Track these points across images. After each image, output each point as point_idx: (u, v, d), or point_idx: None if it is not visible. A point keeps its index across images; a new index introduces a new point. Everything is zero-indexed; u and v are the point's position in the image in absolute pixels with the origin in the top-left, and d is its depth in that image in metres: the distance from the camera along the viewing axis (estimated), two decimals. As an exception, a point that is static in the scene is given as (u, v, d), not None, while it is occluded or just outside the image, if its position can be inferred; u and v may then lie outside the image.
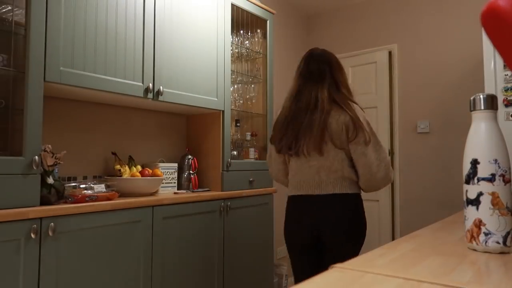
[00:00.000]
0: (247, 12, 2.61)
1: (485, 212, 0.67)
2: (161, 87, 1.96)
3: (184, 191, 2.25)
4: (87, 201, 1.60)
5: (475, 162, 0.68)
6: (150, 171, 2.05)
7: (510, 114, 2.23)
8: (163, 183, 2.15)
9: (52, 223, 1.44)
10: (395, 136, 3.42)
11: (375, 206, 3.42)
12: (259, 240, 2.47)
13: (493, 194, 0.66)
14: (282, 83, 3.54)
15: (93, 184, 1.73)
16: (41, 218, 1.42)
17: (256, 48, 2.75)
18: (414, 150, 3.32)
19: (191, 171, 2.33)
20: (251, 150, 2.61)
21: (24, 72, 1.47)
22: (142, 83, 1.90)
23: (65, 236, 1.50)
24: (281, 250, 3.40)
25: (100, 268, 1.60)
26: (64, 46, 1.60)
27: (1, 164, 1.37)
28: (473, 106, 0.70)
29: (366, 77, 3.56)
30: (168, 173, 2.19)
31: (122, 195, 1.92)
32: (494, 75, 2.30)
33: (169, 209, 1.90)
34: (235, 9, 2.52)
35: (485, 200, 0.67)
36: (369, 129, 1.55)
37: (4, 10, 1.54)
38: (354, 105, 1.59)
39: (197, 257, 2.03)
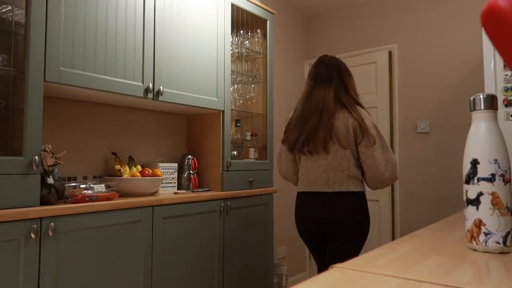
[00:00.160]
0: (247, 12, 2.61)
1: (485, 212, 0.67)
2: (161, 87, 1.96)
3: (184, 191, 2.25)
4: (87, 201, 1.60)
5: (475, 162, 0.68)
6: (150, 171, 2.05)
7: (510, 114, 2.22)
8: (163, 183, 2.15)
9: (52, 223, 1.44)
10: (395, 136, 3.42)
11: (375, 206, 3.41)
12: (259, 240, 2.48)
13: (493, 194, 0.66)
14: (282, 83, 3.54)
15: (93, 184, 1.73)
16: (41, 218, 1.42)
17: (256, 48, 2.75)
18: (414, 150, 3.32)
19: (191, 171, 2.33)
20: (251, 150, 2.61)
21: (24, 72, 1.47)
22: (142, 83, 1.90)
23: (65, 236, 1.50)
24: (281, 250, 3.40)
25: (100, 268, 1.60)
26: (64, 46, 1.61)
27: (1, 164, 1.37)
28: (473, 106, 0.70)
29: (366, 77, 3.56)
30: (168, 173, 2.19)
31: (122, 195, 1.92)
32: (494, 75, 2.30)
33: (169, 209, 1.90)
34: (235, 9, 2.52)
35: (485, 200, 0.67)
36: (376, 132, 1.67)
37: (4, 10, 1.54)
38: (361, 109, 1.71)
39: (197, 257, 2.03)
